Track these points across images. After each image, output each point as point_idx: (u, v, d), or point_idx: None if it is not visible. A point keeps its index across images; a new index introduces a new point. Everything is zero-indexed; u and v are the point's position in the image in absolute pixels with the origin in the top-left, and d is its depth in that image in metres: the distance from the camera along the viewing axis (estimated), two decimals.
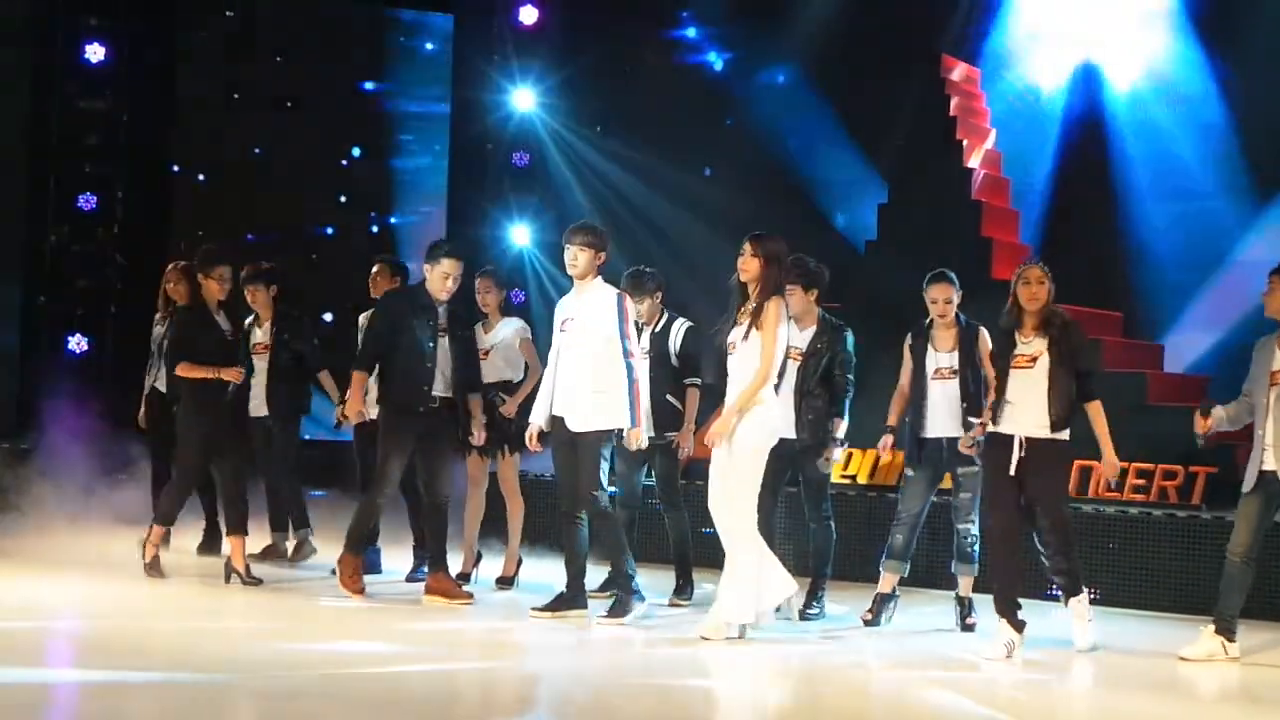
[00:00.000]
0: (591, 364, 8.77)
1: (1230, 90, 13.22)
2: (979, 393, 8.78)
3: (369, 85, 17.61)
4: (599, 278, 8.92)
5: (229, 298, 10.07)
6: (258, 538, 10.58)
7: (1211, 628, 8.33)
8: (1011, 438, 8.16)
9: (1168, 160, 13.48)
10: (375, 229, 17.65)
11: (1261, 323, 8.50)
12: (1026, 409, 8.12)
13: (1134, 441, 10.98)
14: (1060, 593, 8.60)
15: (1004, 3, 14.41)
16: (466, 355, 9.54)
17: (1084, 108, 14.03)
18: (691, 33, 16.24)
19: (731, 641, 8.29)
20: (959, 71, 13.61)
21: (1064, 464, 8.51)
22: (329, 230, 17.51)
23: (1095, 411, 8.28)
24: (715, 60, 16.17)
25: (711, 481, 8.43)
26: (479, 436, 9.61)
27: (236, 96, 17.10)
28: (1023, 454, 8.12)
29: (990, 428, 8.26)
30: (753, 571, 8.32)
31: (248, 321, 10.69)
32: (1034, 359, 8.14)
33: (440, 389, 9.36)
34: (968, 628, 9.03)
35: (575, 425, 8.83)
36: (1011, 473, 8.13)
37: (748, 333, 8.33)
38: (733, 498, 8.35)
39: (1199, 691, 7.90)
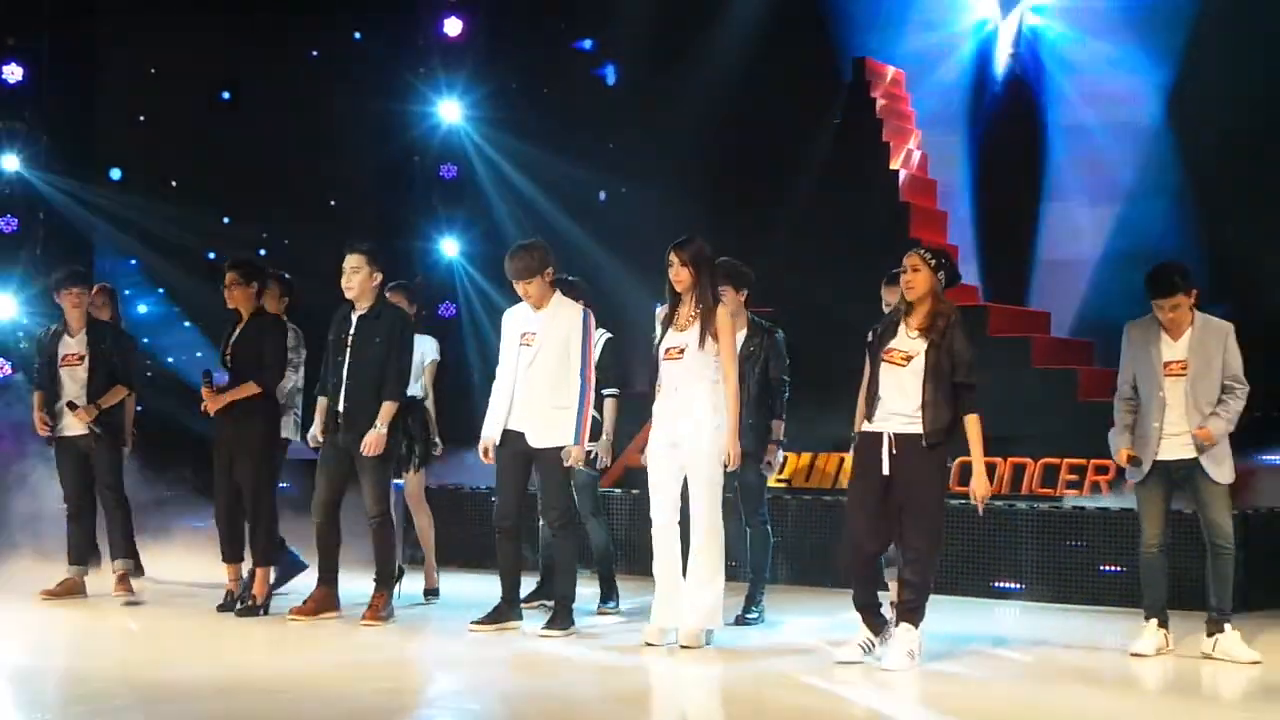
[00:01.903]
0: (553, 380, 8.70)
1: (1156, 91, 13.26)
2: None
3: None
4: (556, 292, 8.84)
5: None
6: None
7: (1154, 622, 8.28)
8: (881, 435, 7.81)
9: (1094, 160, 13.52)
10: None
11: None
12: (896, 405, 7.75)
13: (1066, 437, 11.05)
14: (894, 613, 7.94)
15: (931, 4, 14.39)
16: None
17: (1007, 106, 14.04)
18: (588, 44, 16.24)
19: (705, 650, 8.27)
20: (886, 74, 13.59)
21: (938, 464, 7.80)
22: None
23: (972, 426, 7.75)
24: (627, 71, 16.08)
25: (664, 490, 8.35)
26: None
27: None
28: (893, 452, 7.77)
29: (864, 425, 7.91)
30: (721, 577, 8.34)
31: None
32: (909, 358, 7.75)
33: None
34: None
35: (537, 441, 8.73)
36: (885, 472, 7.74)
37: (702, 341, 8.26)
38: (706, 506, 8.29)
39: (1139, 684, 7.86)
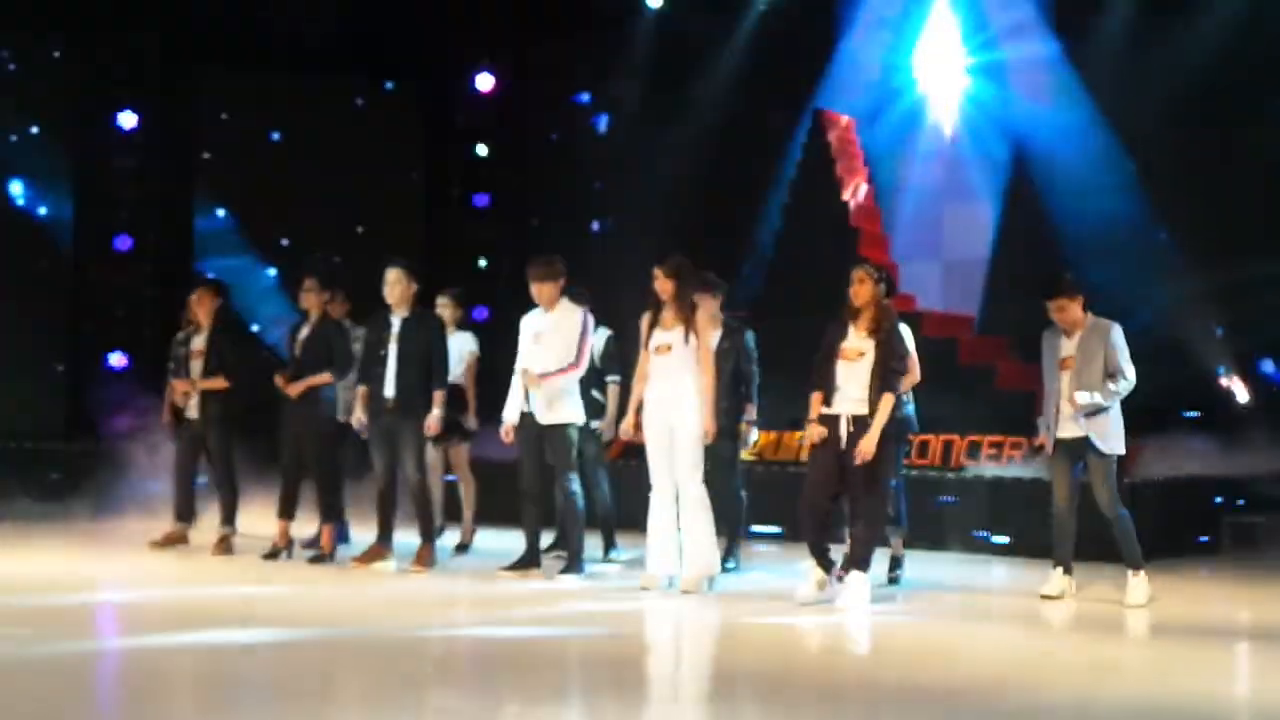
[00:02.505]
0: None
1: (1057, 126, 13.25)
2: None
3: None
4: (565, 299, 8.86)
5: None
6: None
7: (1060, 569, 8.27)
8: (838, 417, 7.86)
9: (1008, 184, 13.49)
10: None
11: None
12: (851, 393, 7.83)
13: (987, 419, 11.08)
14: (847, 560, 7.96)
15: (874, 55, 14.39)
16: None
17: (938, 143, 14.04)
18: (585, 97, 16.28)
19: (706, 594, 8.29)
20: (839, 121, 13.61)
21: (886, 442, 7.80)
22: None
23: (885, 401, 7.73)
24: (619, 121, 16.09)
25: (660, 461, 8.39)
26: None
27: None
28: (851, 430, 7.84)
29: (825, 409, 7.93)
30: (712, 531, 8.37)
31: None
32: (861, 353, 7.83)
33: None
34: (892, 580, 8.74)
35: (544, 418, 8.80)
36: (842, 447, 7.78)
37: (686, 338, 8.33)
38: (691, 473, 8.32)
39: (1044, 620, 7.88)
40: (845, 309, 7.98)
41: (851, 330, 7.92)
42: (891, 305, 8.04)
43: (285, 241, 15.60)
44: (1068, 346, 8.18)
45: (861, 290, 7.88)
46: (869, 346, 7.82)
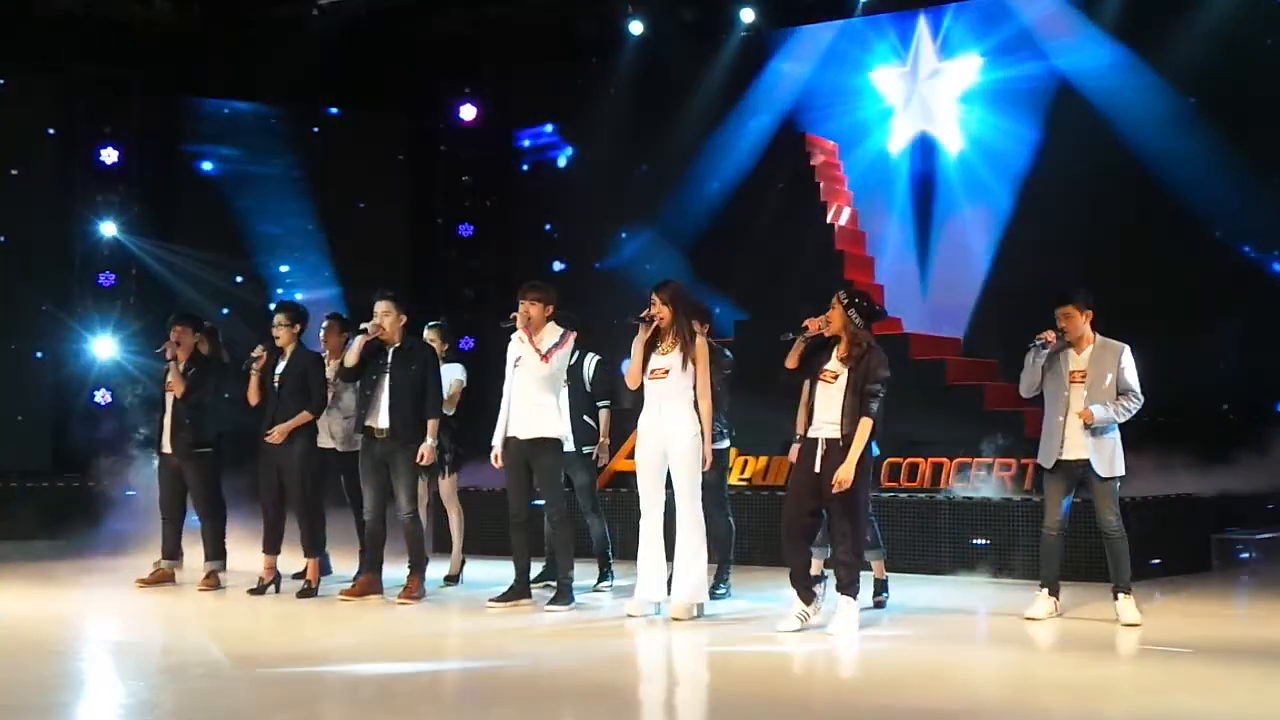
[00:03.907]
0: (537, 386, 8.74)
1: (1037, 151, 13.35)
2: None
3: None
4: (551, 323, 8.84)
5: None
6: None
7: (1046, 591, 8.30)
8: (816, 441, 7.86)
9: (992, 209, 13.56)
10: None
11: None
12: (827, 416, 7.84)
13: (975, 441, 11.09)
14: (823, 587, 8.12)
15: (854, 87, 14.49)
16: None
17: (922, 169, 14.12)
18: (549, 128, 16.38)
19: (695, 620, 8.26)
20: (822, 146, 13.67)
21: (863, 467, 7.75)
22: None
23: (862, 426, 7.69)
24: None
25: (651, 488, 8.38)
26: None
27: None
28: (824, 453, 7.81)
29: (804, 433, 7.98)
30: (705, 559, 8.36)
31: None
32: (836, 376, 7.85)
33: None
34: (878, 604, 8.71)
35: (525, 433, 8.74)
36: (816, 470, 7.77)
37: (684, 365, 8.33)
38: (689, 500, 8.32)
39: (1031, 642, 7.89)
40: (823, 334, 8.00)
41: (834, 354, 7.95)
42: (866, 330, 7.98)
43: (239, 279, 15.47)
44: (1077, 361, 8.21)
45: (833, 317, 7.90)
46: (844, 370, 7.86)
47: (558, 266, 15.78)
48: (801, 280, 12.42)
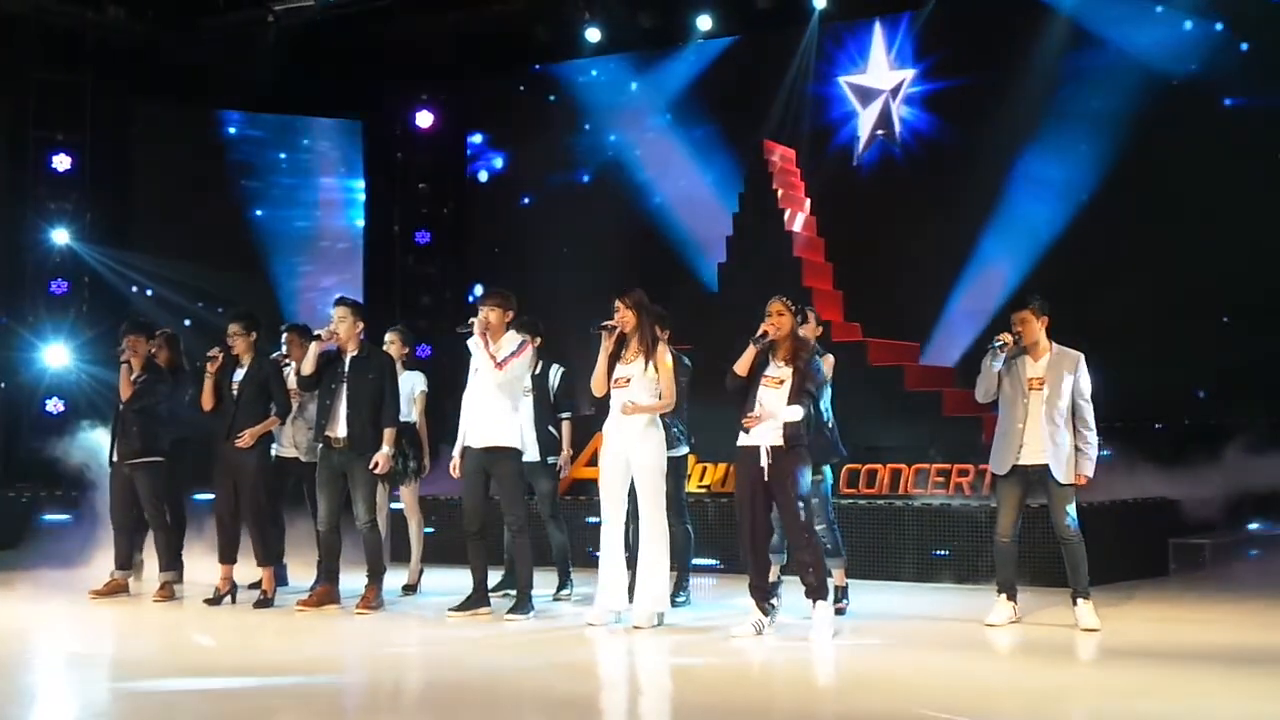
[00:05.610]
0: (495, 393, 8.67)
1: (985, 161, 13.41)
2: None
3: None
4: (510, 331, 8.78)
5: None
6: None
7: (1004, 597, 8.32)
8: (758, 448, 7.87)
9: (952, 215, 13.62)
10: None
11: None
12: (772, 423, 7.86)
13: (934, 447, 11.11)
14: (805, 590, 7.89)
15: (814, 93, 14.51)
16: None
17: (881, 175, 14.17)
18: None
19: (656, 629, 8.22)
20: (779, 154, 13.66)
21: (800, 464, 7.81)
22: None
23: (791, 409, 7.78)
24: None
25: (613, 495, 8.34)
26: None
27: None
28: (770, 461, 7.84)
29: (743, 440, 7.96)
30: (666, 567, 8.32)
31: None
32: (781, 382, 7.89)
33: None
34: (838, 611, 8.55)
35: (481, 442, 8.68)
36: (765, 478, 7.81)
37: (646, 368, 8.30)
38: (652, 508, 8.28)
39: (990, 647, 7.89)
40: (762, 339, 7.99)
41: (771, 360, 7.98)
42: (808, 336, 8.12)
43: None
44: (1035, 368, 8.25)
45: (781, 322, 7.95)
46: (788, 374, 7.90)
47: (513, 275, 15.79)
48: (761, 286, 12.35)
